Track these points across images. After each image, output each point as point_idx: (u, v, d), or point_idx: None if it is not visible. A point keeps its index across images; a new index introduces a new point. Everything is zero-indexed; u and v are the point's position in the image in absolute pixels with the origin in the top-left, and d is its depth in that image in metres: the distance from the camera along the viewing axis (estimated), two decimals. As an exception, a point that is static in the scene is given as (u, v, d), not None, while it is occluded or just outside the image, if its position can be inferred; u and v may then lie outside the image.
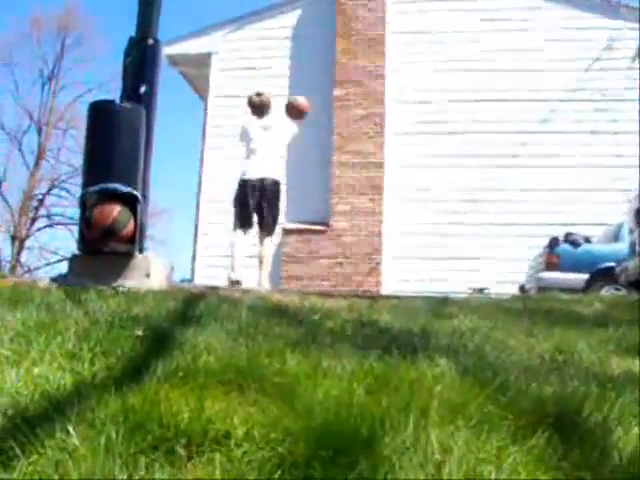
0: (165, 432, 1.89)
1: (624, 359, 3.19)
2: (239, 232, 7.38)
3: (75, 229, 5.78)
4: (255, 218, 7.39)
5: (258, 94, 7.71)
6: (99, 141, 5.21)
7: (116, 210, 4.94)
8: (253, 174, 7.34)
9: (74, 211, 27.01)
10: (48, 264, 30.31)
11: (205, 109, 14.22)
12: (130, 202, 5.02)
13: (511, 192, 12.28)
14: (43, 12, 37.90)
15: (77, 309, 3.50)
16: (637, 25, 12.19)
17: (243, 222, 7.37)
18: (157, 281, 5.12)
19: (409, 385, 2.34)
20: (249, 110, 7.72)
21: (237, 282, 7.06)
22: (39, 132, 32.08)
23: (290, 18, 13.80)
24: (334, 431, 1.89)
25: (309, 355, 2.72)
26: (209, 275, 10.89)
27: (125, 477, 1.69)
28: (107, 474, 1.69)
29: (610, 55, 12.58)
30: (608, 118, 12.23)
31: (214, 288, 5.45)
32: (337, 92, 12.93)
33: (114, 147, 5.12)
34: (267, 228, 7.36)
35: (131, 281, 4.89)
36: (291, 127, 7.71)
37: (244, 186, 7.36)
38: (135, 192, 5.05)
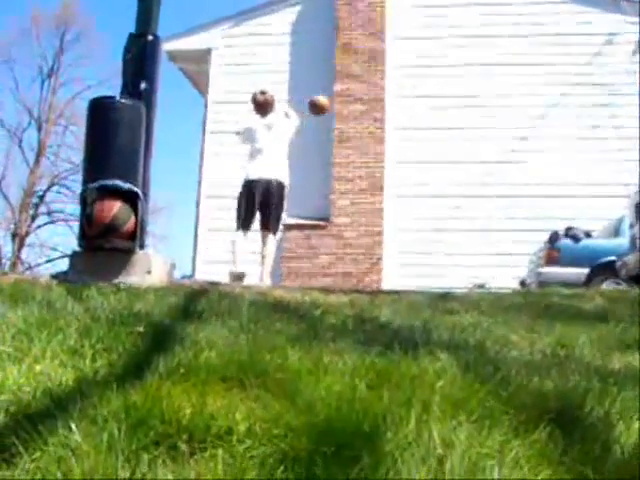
0: (167, 428, 1.89)
1: (625, 354, 3.19)
2: (240, 233, 7.37)
3: (75, 226, 5.78)
4: (258, 217, 7.38)
5: (262, 92, 7.69)
6: (99, 138, 5.20)
7: (116, 207, 4.94)
8: (259, 174, 7.31)
9: (74, 208, 27.03)
10: (49, 261, 30.39)
11: (205, 105, 14.21)
12: (131, 199, 5.01)
13: (511, 187, 12.28)
14: (42, 9, 37.91)
15: (78, 306, 3.51)
16: (637, 19, 12.18)
17: (245, 222, 7.35)
18: (158, 277, 5.12)
19: (411, 380, 2.34)
20: (252, 108, 7.68)
21: (241, 275, 7.05)
22: (39, 129, 32.09)
23: (290, 13, 13.78)
24: (336, 426, 1.89)
25: (310, 351, 2.72)
26: (210, 271, 10.89)
27: (127, 473, 1.70)
28: (109, 471, 1.69)
29: (610, 50, 12.57)
30: (608, 113, 12.22)
31: (215, 284, 5.45)
32: (337, 87, 12.92)
33: (114, 144, 5.12)
34: (271, 227, 7.34)
35: (132, 278, 4.89)
36: (294, 120, 7.68)
37: (249, 186, 7.34)
38: (135, 188, 5.05)
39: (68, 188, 31.42)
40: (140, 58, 5.46)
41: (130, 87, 5.37)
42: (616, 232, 10.39)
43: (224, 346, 2.72)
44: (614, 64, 12.43)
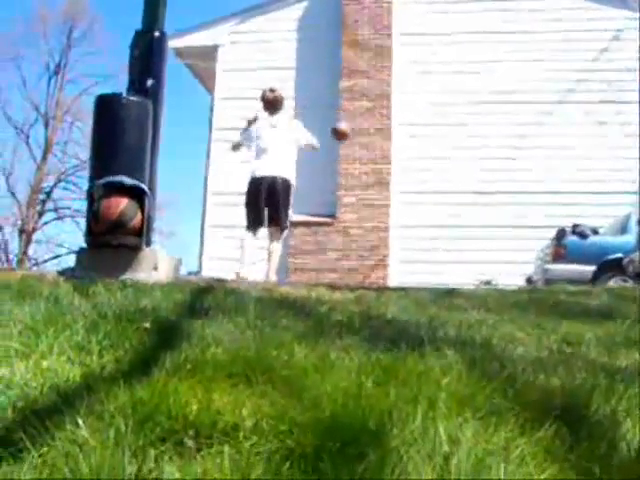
0: (174, 424, 1.89)
1: (632, 351, 3.18)
2: (250, 233, 7.37)
3: (82, 222, 5.79)
4: (266, 214, 7.37)
5: (272, 90, 7.68)
6: (106, 134, 5.22)
7: (123, 203, 4.95)
8: (264, 172, 7.30)
9: (81, 204, 27.09)
10: (56, 257, 30.46)
11: (212, 101, 14.22)
12: (137, 195, 5.03)
13: (518, 184, 12.27)
14: (49, 6, 37.99)
15: (85, 302, 3.51)
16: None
17: (255, 220, 7.35)
18: (164, 274, 5.13)
19: (417, 377, 2.34)
20: (261, 105, 7.66)
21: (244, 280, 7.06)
22: (46, 125, 32.17)
23: (296, 10, 13.78)
24: (342, 423, 1.89)
25: (317, 347, 2.72)
26: (217, 267, 10.90)
27: (134, 469, 1.70)
28: (116, 466, 1.69)
29: (617, 46, 12.52)
30: (614, 109, 12.19)
31: (221, 281, 5.46)
32: (344, 83, 12.91)
33: (121, 140, 5.13)
34: (278, 224, 7.34)
35: (139, 274, 4.90)
36: (300, 135, 7.62)
37: (255, 184, 7.33)
38: (142, 185, 5.06)
39: (75, 184, 31.55)
40: (147, 55, 5.47)
41: (137, 84, 5.39)
42: (623, 229, 10.36)
43: (230, 342, 2.72)
44: (621, 60, 12.39)
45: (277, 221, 7.33)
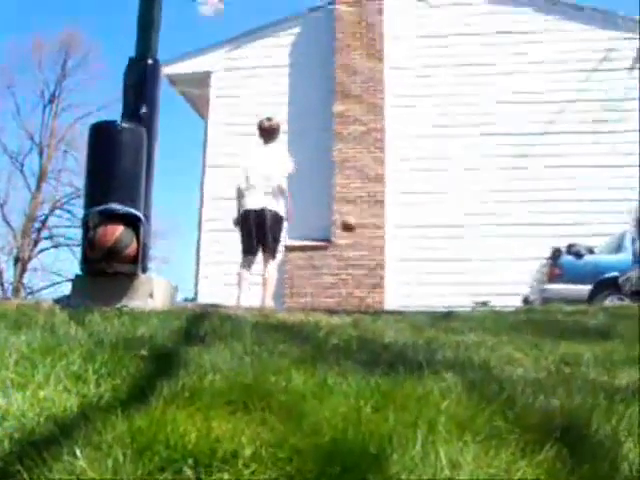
0: (172, 453, 1.88)
1: (630, 370, 3.18)
2: (244, 270, 7.41)
3: (78, 250, 5.78)
4: (258, 242, 7.42)
5: (268, 119, 7.72)
6: (101, 162, 5.23)
7: (118, 230, 4.95)
8: (252, 205, 7.35)
9: (76, 232, 27.10)
10: (51, 285, 30.38)
11: (206, 128, 14.27)
12: (132, 222, 5.02)
13: (513, 204, 12.30)
14: (45, 35, 38.22)
15: (81, 331, 3.50)
16: (634, 35, 12.25)
17: (248, 251, 7.43)
18: (161, 301, 5.11)
19: (416, 401, 2.33)
20: (258, 134, 7.70)
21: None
22: (40, 154, 32.25)
23: (289, 35, 13.89)
24: (342, 449, 1.88)
25: (315, 373, 2.71)
26: (212, 293, 10.88)
27: (133, 499, 1.69)
28: (115, 497, 1.68)
29: (608, 66, 12.63)
30: (608, 128, 12.26)
31: (217, 306, 5.44)
32: (337, 108, 12.97)
33: (116, 168, 5.14)
34: (270, 251, 7.41)
35: (135, 301, 4.89)
36: (290, 163, 7.66)
37: (244, 216, 7.41)
38: (137, 212, 5.06)
39: (70, 212, 31.56)
40: (140, 82, 5.50)
41: (131, 111, 5.40)
42: (618, 248, 10.38)
43: (228, 369, 2.71)
44: (612, 80, 12.48)
45: (268, 250, 7.40)
